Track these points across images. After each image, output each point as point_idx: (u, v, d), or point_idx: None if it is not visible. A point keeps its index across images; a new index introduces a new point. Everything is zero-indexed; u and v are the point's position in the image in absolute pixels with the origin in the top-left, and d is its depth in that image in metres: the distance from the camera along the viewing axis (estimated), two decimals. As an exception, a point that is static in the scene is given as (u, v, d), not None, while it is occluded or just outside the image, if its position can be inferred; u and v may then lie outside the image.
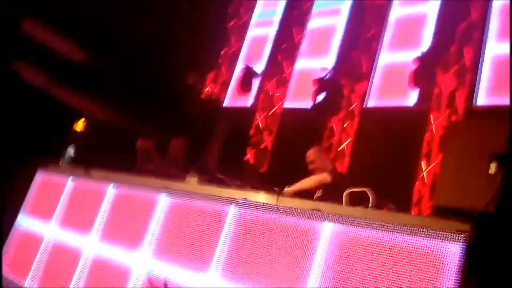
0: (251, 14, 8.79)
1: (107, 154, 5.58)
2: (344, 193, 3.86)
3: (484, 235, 2.78)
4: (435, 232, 2.91)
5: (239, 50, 8.60)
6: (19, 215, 5.87)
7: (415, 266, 2.91)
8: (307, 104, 7.03)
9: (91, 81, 7.76)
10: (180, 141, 6.05)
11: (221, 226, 3.90)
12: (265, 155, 7.38)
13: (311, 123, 7.06)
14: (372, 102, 6.69)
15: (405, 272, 2.93)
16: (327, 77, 6.87)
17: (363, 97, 6.82)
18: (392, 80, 6.64)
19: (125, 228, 4.62)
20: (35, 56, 7.51)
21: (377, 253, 3.08)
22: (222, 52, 8.83)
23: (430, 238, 2.91)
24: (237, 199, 3.96)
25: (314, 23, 7.91)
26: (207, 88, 8.63)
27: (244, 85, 7.79)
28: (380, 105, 6.64)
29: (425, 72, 6.13)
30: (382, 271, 3.01)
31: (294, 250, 3.45)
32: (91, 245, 4.80)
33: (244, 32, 8.71)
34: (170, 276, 4.03)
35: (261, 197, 3.91)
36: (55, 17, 7.67)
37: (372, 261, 3.07)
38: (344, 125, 6.90)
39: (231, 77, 8.42)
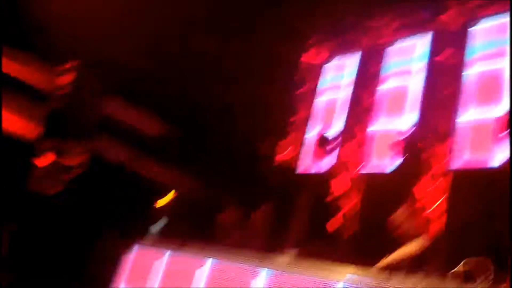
0: (318, 80, 8.91)
1: (194, 226, 5.62)
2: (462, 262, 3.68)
3: None
4: None
5: (308, 117, 8.66)
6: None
7: None
8: (385, 168, 6.92)
9: (169, 152, 7.95)
10: (264, 212, 6.04)
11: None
12: (347, 222, 7.21)
13: (392, 187, 6.89)
14: (456, 163, 6.49)
15: None
16: (406, 139, 6.78)
17: (444, 158, 6.63)
18: (474, 139, 6.46)
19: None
20: (118, 134, 7.81)
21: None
22: (291, 120, 8.92)
23: None
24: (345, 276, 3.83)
25: (385, 85, 7.89)
26: (280, 156, 8.66)
27: (319, 151, 7.77)
28: (464, 167, 6.43)
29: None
30: None
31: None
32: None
33: (312, 99, 8.80)
34: None
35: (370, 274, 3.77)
36: (135, 94, 8.01)
37: None
38: (428, 189, 6.68)
39: (302, 144, 8.44)
